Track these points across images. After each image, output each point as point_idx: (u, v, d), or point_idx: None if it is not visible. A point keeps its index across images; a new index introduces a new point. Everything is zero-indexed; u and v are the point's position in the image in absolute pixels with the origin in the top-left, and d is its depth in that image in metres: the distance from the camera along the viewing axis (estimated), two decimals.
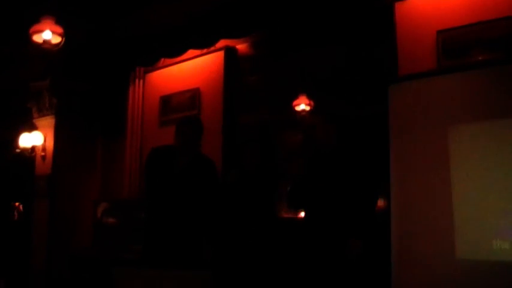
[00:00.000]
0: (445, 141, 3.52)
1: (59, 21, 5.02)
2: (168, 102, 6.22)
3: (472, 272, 3.35)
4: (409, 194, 3.66)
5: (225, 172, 4.37)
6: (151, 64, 6.28)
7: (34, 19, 4.99)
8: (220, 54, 5.87)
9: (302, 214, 5.33)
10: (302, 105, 7.05)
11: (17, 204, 8.31)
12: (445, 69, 3.81)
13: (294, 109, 7.17)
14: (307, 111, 7.08)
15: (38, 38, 5.02)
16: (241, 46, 5.91)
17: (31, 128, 6.86)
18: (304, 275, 3.89)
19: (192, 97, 5.96)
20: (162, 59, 6.27)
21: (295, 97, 7.11)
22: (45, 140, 6.74)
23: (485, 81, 3.56)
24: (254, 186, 4.20)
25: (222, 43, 5.67)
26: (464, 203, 3.43)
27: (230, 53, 5.83)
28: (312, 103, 7.01)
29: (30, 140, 6.75)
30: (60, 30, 5.04)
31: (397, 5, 4.70)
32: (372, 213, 3.84)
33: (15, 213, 8.30)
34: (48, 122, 6.79)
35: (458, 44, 4.32)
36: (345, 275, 3.80)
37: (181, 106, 6.04)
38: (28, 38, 5.02)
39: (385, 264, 3.86)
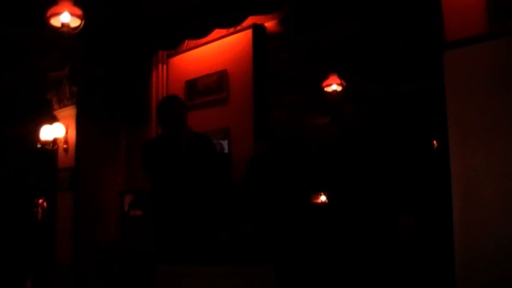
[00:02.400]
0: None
1: (77, 3, 4.76)
2: (193, 86, 5.91)
3: None
4: (472, 169, 3.28)
5: (256, 143, 4.07)
6: (175, 47, 5.96)
7: (50, 3, 4.73)
8: (248, 33, 5.51)
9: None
10: (333, 86, 6.72)
11: (40, 201, 8.05)
12: (503, 32, 3.43)
13: (324, 90, 6.84)
14: (339, 92, 6.74)
15: (56, 21, 4.75)
16: (269, 23, 5.57)
17: (52, 119, 6.60)
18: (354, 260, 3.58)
19: (219, 79, 5.65)
20: (186, 42, 5.96)
21: (326, 77, 6.79)
22: (66, 132, 6.48)
23: None
24: (285, 157, 3.91)
25: (249, 21, 5.31)
26: None
27: (258, 31, 5.48)
28: (343, 83, 6.67)
29: (51, 132, 6.49)
30: (79, 12, 4.76)
31: None
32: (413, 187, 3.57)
33: (40, 210, 8.05)
34: (69, 112, 6.52)
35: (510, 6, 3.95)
36: (397, 256, 3.51)
37: (208, 89, 5.73)
38: (45, 22, 4.76)
39: (442, 243, 3.53)
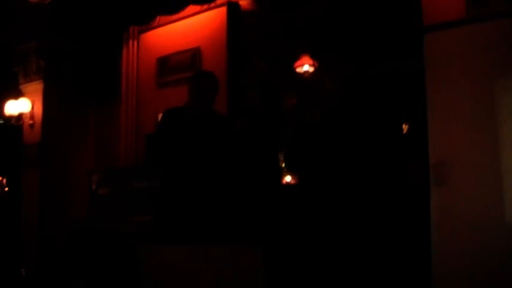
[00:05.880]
0: (491, 94, 3.18)
1: None
2: (165, 63, 5.79)
3: None
4: (450, 153, 3.31)
5: (233, 121, 3.92)
6: (146, 23, 5.82)
7: None
8: (222, 10, 5.43)
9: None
10: (305, 66, 6.69)
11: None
12: (486, 16, 3.43)
13: (296, 70, 6.81)
14: (310, 73, 6.71)
15: None
16: (244, 1, 5.48)
17: (17, 94, 6.41)
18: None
19: (192, 56, 5.55)
20: (158, 18, 5.83)
21: (298, 58, 6.74)
22: (33, 107, 6.32)
23: None
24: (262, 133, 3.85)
25: None
26: None
27: (233, 9, 5.40)
28: (315, 64, 6.64)
29: (16, 107, 6.31)
30: None
31: None
32: None
33: None
34: (35, 87, 6.36)
35: None
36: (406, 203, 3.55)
37: (181, 66, 5.62)
38: None
39: None
